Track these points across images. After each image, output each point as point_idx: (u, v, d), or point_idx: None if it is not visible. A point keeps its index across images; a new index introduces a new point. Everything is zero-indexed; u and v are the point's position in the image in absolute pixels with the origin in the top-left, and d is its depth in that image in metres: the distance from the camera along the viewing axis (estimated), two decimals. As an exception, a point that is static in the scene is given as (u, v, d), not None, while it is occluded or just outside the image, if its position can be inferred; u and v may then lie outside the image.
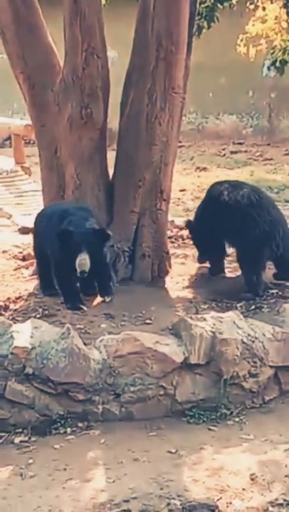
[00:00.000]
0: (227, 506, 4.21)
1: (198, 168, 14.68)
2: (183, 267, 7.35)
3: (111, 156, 7.08)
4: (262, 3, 12.08)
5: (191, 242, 7.56)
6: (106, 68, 6.83)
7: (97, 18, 6.67)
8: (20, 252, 7.76)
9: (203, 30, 9.88)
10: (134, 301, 6.30)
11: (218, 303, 6.33)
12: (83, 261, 5.97)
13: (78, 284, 6.32)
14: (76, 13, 6.56)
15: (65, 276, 6.25)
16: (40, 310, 6.07)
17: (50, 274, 6.50)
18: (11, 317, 5.93)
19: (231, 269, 7.17)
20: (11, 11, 6.76)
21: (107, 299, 6.33)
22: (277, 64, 11.82)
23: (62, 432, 5.06)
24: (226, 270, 7.16)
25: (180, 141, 7.69)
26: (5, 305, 6.32)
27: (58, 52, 6.97)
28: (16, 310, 6.19)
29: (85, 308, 6.16)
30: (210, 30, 10.04)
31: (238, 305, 6.24)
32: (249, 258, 6.59)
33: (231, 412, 5.28)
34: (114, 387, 5.17)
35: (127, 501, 4.26)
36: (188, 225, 7.45)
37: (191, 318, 5.58)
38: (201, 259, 7.29)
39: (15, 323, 5.55)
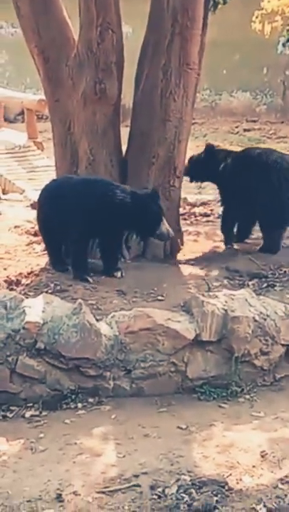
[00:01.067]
0: (237, 483, 4.22)
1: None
2: (195, 244, 7.34)
3: (124, 132, 7.05)
4: (278, -21, 11.96)
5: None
6: (121, 43, 6.79)
7: (112, -8, 6.62)
8: (33, 228, 7.75)
9: (219, 6, 9.78)
10: (146, 277, 6.30)
11: (230, 280, 6.33)
12: (167, 225, 6.36)
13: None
14: (91, -14, 6.51)
15: (81, 249, 6.29)
16: (52, 285, 6.07)
17: (60, 249, 6.53)
18: (22, 292, 5.94)
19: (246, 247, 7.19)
20: (25, -16, 6.72)
21: (118, 275, 6.34)
22: (292, 41, 11.72)
23: (73, 407, 5.09)
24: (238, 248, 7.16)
25: (193, 118, 7.64)
26: (17, 280, 6.33)
27: (73, 27, 6.93)
28: (27, 285, 6.20)
29: (91, 280, 6.20)
30: (225, 6, 9.94)
31: (251, 283, 6.24)
32: (276, 216, 6.98)
33: (242, 390, 5.29)
34: (125, 363, 5.18)
35: (136, 476, 4.28)
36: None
37: (203, 295, 5.58)
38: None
39: (27, 298, 5.55)
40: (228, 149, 7.72)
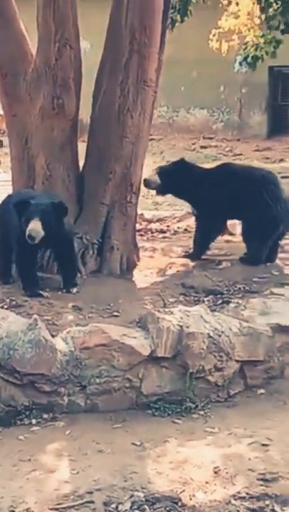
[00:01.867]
0: (190, 499, 4.22)
1: (168, 161, 14.67)
2: (151, 260, 7.37)
3: (81, 147, 7.06)
4: (235, -2, 12.13)
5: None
6: (79, 59, 6.83)
7: (70, 8, 6.67)
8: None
9: (177, 24, 9.89)
10: (102, 293, 6.30)
11: (185, 296, 6.36)
12: (34, 225, 5.96)
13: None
14: (50, 2, 6.54)
15: (25, 261, 6.30)
16: (8, 300, 6.05)
17: (8, 261, 6.57)
18: (-23, 307, 5.91)
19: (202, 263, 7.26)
20: (-16, -1, 6.71)
21: (73, 291, 6.34)
22: (249, 60, 11.87)
23: (27, 423, 5.04)
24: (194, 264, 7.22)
25: (151, 135, 7.70)
26: (-28, 295, 6.30)
27: (31, 42, 6.94)
28: (-18, 300, 6.16)
29: (44, 295, 6.18)
30: (183, 24, 10.05)
31: (206, 299, 6.27)
32: (262, 229, 7.16)
33: (196, 406, 5.30)
34: (80, 379, 5.16)
35: (90, 493, 4.26)
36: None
37: (158, 311, 5.59)
38: None
39: (-18, 313, 5.52)
40: (199, 165, 7.84)
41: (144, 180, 7.35)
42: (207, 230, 7.38)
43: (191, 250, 7.49)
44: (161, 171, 7.49)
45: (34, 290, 6.21)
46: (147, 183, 7.43)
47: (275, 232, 7.24)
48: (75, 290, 6.36)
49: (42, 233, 5.96)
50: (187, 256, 7.36)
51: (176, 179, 7.38)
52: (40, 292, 6.22)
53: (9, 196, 6.84)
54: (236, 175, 7.30)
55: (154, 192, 10.62)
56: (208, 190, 7.25)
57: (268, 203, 7.11)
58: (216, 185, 7.23)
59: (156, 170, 7.51)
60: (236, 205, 7.21)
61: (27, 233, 5.96)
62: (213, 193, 7.21)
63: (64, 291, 6.36)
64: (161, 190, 7.64)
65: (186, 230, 8.34)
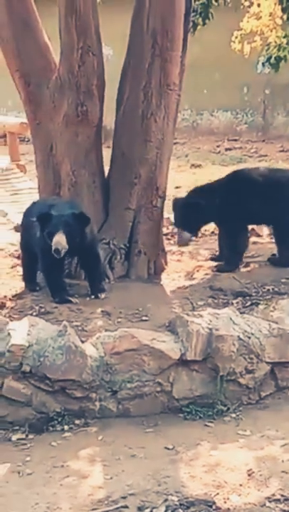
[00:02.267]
0: (224, 502, 4.22)
1: (193, 165, 14.70)
2: (179, 263, 7.37)
3: (106, 153, 7.09)
4: (256, -1, 12.08)
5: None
6: (101, 66, 6.84)
7: (92, 15, 6.68)
8: (16, 250, 7.76)
9: (198, 27, 9.88)
10: (130, 298, 6.32)
11: (214, 299, 6.35)
12: (58, 238, 5.99)
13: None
14: (72, 10, 6.57)
15: (50, 268, 6.32)
16: (37, 308, 6.08)
17: (33, 269, 6.62)
18: (7, 315, 5.94)
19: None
20: (6, 9, 6.76)
21: (101, 297, 6.36)
22: (272, 60, 11.80)
23: (59, 429, 5.07)
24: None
25: (175, 138, 7.70)
26: (1, 303, 6.34)
27: (54, 50, 6.97)
28: (12, 308, 6.21)
29: (73, 300, 6.21)
30: (205, 27, 10.03)
31: (234, 301, 6.26)
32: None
33: (228, 408, 5.29)
34: (111, 384, 5.17)
35: (124, 498, 4.27)
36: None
37: (187, 314, 5.59)
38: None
39: (11, 320, 5.55)
40: (206, 184, 7.65)
41: (178, 242, 7.35)
42: (235, 243, 7.27)
43: (217, 254, 7.48)
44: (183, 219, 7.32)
45: (63, 296, 6.25)
46: (182, 243, 7.39)
47: None
48: (103, 296, 6.37)
49: (66, 246, 6.01)
50: (222, 270, 7.10)
51: (199, 216, 7.23)
52: (69, 298, 6.25)
53: (33, 204, 6.89)
54: (251, 180, 7.23)
55: (179, 195, 10.71)
56: (226, 203, 7.11)
57: None
58: (232, 195, 7.13)
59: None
60: (258, 211, 7.16)
61: (53, 248, 6.00)
62: (232, 204, 7.10)
63: (92, 297, 6.37)
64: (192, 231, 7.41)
65: (212, 232, 8.32)
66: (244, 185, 7.20)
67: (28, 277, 6.70)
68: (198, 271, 7.10)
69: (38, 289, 6.57)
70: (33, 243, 6.45)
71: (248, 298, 6.36)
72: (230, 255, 7.20)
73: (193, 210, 7.08)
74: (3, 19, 6.81)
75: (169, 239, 7.98)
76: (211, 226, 8.03)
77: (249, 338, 5.45)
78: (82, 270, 6.58)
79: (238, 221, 7.15)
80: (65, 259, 6.42)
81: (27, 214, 6.79)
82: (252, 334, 5.48)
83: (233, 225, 7.17)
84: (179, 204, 7.31)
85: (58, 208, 6.24)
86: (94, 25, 6.71)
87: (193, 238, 7.62)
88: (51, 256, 6.11)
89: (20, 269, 7.13)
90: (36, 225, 6.22)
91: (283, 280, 6.80)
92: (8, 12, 6.77)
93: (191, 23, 7.87)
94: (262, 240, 8.09)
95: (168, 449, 4.81)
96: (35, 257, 6.52)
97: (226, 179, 7.36)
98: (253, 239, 7.88)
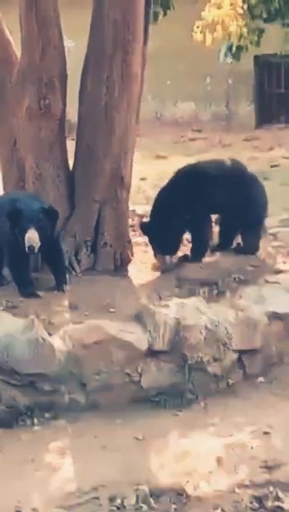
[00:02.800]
0: (194, 490, 4.26)
1: (157, 156, 14.69)
2: (145, 255, 7.37)
3: (70, 146, 7.07)
4: (218, -11, 12.13)
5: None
6: (63, 58, 6.82)
7: (53, 8, 6.65)
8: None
9: (160, 18, 9.91)
10: (97, 290, 6.32)
11: (180, 289, 6.37)
12: (31, 235, 5.99)
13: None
14: (32, 3, 6.53)
15: (17, 262, 6.32)
16: (4, 302, 6.05)
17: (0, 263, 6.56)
18: (-26, 310, 5.92)
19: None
20: None
21: (66, 289, 6.37)
22: (234, 50, 11.88)
23: (28, 423, 5.07)
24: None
25: (138, 130, 7.70)
26: None
27: (14, 43, 6.94)
28: (-21, 303, 6.18)
29: (39, 294, 6.21)
30: (166, 17, 10.06)
31: (201, 291, 6.29)
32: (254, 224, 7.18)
33: (196, 397, 5.33)
34: (79, 377, 5.19)
35: (95, 489, 4.29)
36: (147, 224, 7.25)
37: (154, 305, 5.62)
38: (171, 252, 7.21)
39: (-22, 316, 5.54)
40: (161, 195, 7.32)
41: (163, 270, 7.04)
42: (201, 234, 7.21)
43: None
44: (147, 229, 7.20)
45: (29, 290, 6.24)
46: (168, 269, 7.07)
47: (265, 217, 7.34)
48: (67, 287, 6.39)
49: (39, 243, 6.03)
50: (188, 261, 7.06)
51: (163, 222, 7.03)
52: (36, 292, 6.24)
53: None
54: (206, 174, 7.13)
55: (145, 187, 10.69)
56: (186, 198, 6.99)
57: (252, 192, 7.18)
58: (189, 191, 7.02)
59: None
60: (219, 202, 7.12)
61: (27, 245, 6.00)
62: (192, 198, 6.99)
63: (57, 290, 6.38)
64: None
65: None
66: (198, 178, 7.10)
67: None
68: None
69: (5, 283, 6.55)
70: None
71: (214, 287, 6.39)
72: (196, 246, 7.20)
73: (169, 230, 6.97)
74: None
75: (134, 230, 7.98)
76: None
77: (216, 326, 5.49)
78: (46, 263, 6.55)
79: (200, 213, 7.11)
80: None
81: None
82: (219, 323, 5.52)
83: (196, 218, 7.11)
84: (149, 229, 7.18)
85: (26, 203, 6.23)
86: (54, 18, 6.68)
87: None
88: (18, 250, 6.11)
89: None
90: (3, 220, 6.20)
91: (249, 268, 6.83)
92: None
93: (152, 14, 7.86)
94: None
95: (137, 439, 4.84)
96: (0, 252, 6.51)
97: (177, 178, 7.21)
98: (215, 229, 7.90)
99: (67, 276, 6.51)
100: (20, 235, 6.05)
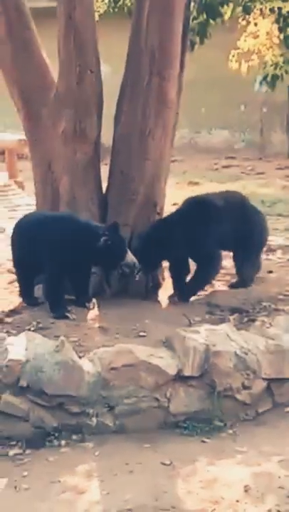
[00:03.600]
0: (221, 517, 4.23)
1: (190, 182, 14.75)
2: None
3: (104, 170, 7.13)
4: (254, 18, 12.14)
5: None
6: (99, 83, 6.90)
7: (91, 33, 6.75)
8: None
9: (196, 46, 9.94)
10: (128, 314, 6.33)
11: (211, 315, 6.37)
12: (132, 256, 6.38)
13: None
14: (70, 28, 6.63)
15: (56, 285, 6.39)
16: (35, 323, 6.10)
17: (31, 283, 6.67)
18: (5, 330, 5.96)
19: (224, 282, 7.26)
20: (5, 26, 6.83)
21: (90, 306, 6.43)
22: (269, 79, 11.87)
23: (56, 444, 5.07)
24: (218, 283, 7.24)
25: (173, 156, 7.73)
26: (-1, 318, 6.36)
27: (52, 67, 7.03)
28: (10, 323, 6.22)
29: (71, 316, 6.25)
30: (203, 45, 10.10)
31: (231, 317, 6.28)
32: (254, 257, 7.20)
33: (225, 424, 5.30)
34: (108, 400, 5.18)
35: (121, 513, 4.28)
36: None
37: (184, 330, 5.61)
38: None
39: (9, 335, 5.57)
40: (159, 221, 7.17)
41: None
42: (210, 269, 7.00)
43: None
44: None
45: (62, 312, 6.28)
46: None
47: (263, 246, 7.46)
48: (91, 305, 6.50)
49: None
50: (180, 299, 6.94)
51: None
52: (67, 314, 6.27)
53: (24, 218, 6.92)
54: (208, 208, 7.04)
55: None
56: (190, 232, 6.86)
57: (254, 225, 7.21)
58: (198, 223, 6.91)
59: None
60: (224, 236, 7.00)
61: (131, 265, 6.40)
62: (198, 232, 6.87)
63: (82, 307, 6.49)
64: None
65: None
66: (207, 211, 7.00)
67: (26, 292, 6.72)
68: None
69: (36, 303, 6.58)
70: (31, 254, 6.46)
71: (244, 314, 6.38)
72: (197, 282, 7.01)
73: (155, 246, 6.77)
74: (3, 37, 6.88)
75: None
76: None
77: (246, 354, 5.46)
78: (71, 281, 6.58)
79: (209, 248, 6.91)
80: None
81: (22, 227, 6.78)
82: (249, 350, 5.49)
83: (206, 252, 6.92)
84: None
85: (96, 227, 6.41)
86: (92, 43, 6.77)
87: None
88: (61, 271, 6.32)
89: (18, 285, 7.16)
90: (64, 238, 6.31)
91: (280, 297, 6.82)
92: (7, 30, 6.84)
93: (189, 42, 7.91)
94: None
95: (165, 464, 4.81)
96: (31, 270, 6.55)
97: (185, 208, 7.14)
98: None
99: (89, 295, 6.61)
100: (117, 261, 6.37)
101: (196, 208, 7.06)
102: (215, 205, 7.03)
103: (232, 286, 7.20)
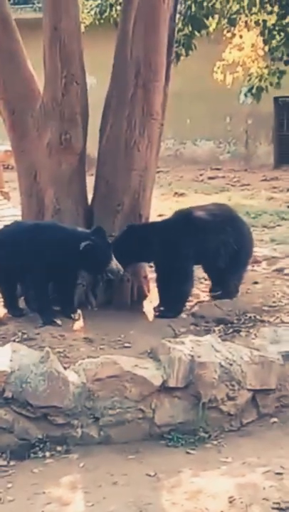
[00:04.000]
0: (205, 529, 4.22)
1: (176, 193, 14.79)
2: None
3: (89, 181, 7.14)
4: (239, 31, 12.22)
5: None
6: (85, 94, 6.92)
7: (76, 45, 6.77)
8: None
9: (181, 58, 9.99)
10: (113, 325, 6.33)
11: (196, 326, 6.37)
12: (116, 263, 6.37)
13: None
14: (56, 40, 6.66)
15: (43, 290, 6.43)
16: (20, 334, 6.09)
17: (14, 294, 6.68)
18: (-11, 341, 5.95)
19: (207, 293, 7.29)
20: (-9, 38, 6.83)
21: (75, 317, 6.49)
22: (254, 91, 11.94)
23: (41, 456, 5.05)
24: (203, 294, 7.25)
25: (158, 167, 7.75)
26: (-16, 329, 6.34)
27: (38, 79, 7.04)
28: (-6, 334, 6.21)
29: (58, 322, 6.30)
30: (188, 57, 10.15)
31: (216, 328, 6.29)
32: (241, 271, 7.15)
33: (210, 436, 5.30)
34: (93, 411, 5.17)
35: (105, 524, 4.27)
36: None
37: (169, 341, 5.61)
38: None
39: (-6, 347, 5.56)
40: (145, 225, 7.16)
41: None
42: (183, 287, 6.87)
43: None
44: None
45: (50, 318, 6.33)
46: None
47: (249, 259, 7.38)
48: (76, 316, 6.54)
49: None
50: (163, 316, 6.72)
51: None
52: (55, 321, 6.29)
53: (12, 225, 6.90)
54: (196, 220, 6.95)
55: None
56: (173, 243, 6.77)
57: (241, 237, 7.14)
58: (188, 234, 6.83)
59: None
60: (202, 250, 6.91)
61: (115, 271, 6.41)
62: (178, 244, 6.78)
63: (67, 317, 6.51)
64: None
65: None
66: (193, 224, 6.91)
67: (10, 303, 6.71)
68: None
69: (20, 314, 6.58)
70: (15, 264, 6.45)
71: (229, 325, 6.39)
72: (175, 301, 6.86)
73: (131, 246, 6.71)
74: (-12, 48, 6.88)
75: (151, 266, 8.00)
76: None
77: (231, 365, 5.47)
78: (56, 292, 6.58)
79: (186, 263, 6.82)
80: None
81: (2, 237, 6.72)
82: (234, 361, 5.50)
83: (181, 268, 6.79)
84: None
85: (86, 235, 6.41)
86: (78, 54, 6.79)
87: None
88: (46, 278, 6.37)
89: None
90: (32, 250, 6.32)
91: (265, 308, 6.84)
92: (-7, 41, 6.84)
93: (174, 54, 7.94)
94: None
95: (150, 475, 4.80)
96: (14, 280, 6.56)
97: (172, 218, 7.09)
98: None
99: (74, 305, 6.62)
100: (101, 266, 6.37)
101: (181, 219, 7.02)
102: (200, 217, 6.98)
103: (217, 297, 7.17)
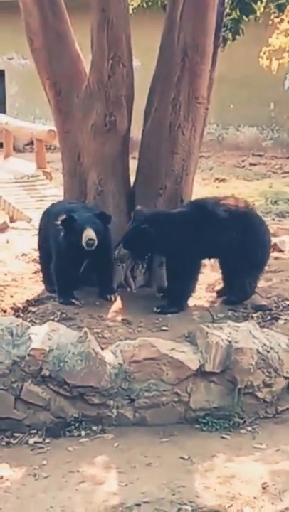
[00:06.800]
0: (238, 514, 4.24)
1: (217, 179, 14.74)
2: (201, 275, 7.35)
3: (132, 163, 7.14)
4: (286, 16, 12.12)
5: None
6: (131, 77, 6.90)
7: (124, 27, 6.75)
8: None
9: (228, 42, 9.93)
10: (151, 307, 6.34)
11: (234, 312, 6.37)
12: (88, 232, 6.10)
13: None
14: (104, 21, 6.64)
15: (63, 270, 6.44)
16: (58, 313, 6.13)
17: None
18: (29, 319, 6.00)
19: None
20: (40, 18, 6.85)
21: (112, 298, 6.48)
22: (299, 78, 11.86)
23: (76, 434, 5.12)
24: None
25: (200, 152, 7.72)
26: (23, 307, 6.41)
27: (85, 60, 7.05)
28: (34, 312, 6.26)
29: (76, 302, 6.33)
30: (234, 42, 10.08)
31: (255, 315, 6.28)
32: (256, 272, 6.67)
33: (244, 421, 5.31)
34: (128, 392, 5.21)
35: (138, 505, 4.30)
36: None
37: (207, 326, 5.62)
38: None
39: (33, 325, 5.61)
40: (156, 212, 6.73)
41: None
42: (187, 278, 6.53)
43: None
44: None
45: (67, 298, 6.37)
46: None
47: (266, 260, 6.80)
48: (113, 298, 6.50)
49: (96, 240, 6.10)
50: (166, 312, 6.34)
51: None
52: (73, 300, 6.34)
53: (52, 206, 7.02)
54: (210, 212, 6.51)
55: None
56: (188, 234, 6.41)
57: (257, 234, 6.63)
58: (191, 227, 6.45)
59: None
60: (214, 244, 6.54)
61: (85, 240, 6.08)
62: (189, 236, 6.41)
63: (103, 298, 6.49)
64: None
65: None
66: (203, 217, 6.50)
67: (48, 278, 6.76)
68: (219, 283, 7.11)
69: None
70: (50, 244, 6.53)
71: (268, 312, 6.37)
72: (178, 295, 6.54)
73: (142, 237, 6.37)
74: (37, 29, 6.90)
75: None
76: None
77: (268, 352, 5.47)
78: (94, 272, 6.60)
79: (192, 257, 6.48)
80: (82, 262, 6.46)
81: (45, 216, 6.92)
82: (271, 348, 5.50)
83: (186, 262, 6.45)
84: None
85: (79, 210, 6.39)
86: (125, 36, 6.78)
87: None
88: (66, 257, 6.31)
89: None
90: (56, 226, 6.31)
91: (304, 296, 6.80)
92: (41, 22, 6.86)
93: (221, 38, 7.89)
94: (284, 255, 8.09)
95: (183, 459, 4.83)
96: (51, 257, 6.62)
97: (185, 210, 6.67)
98: (274, 254, 7.87)
99: (113, 286, 6.60)
100: (76, 238, 6.13)
101: (192, 210, 6.62)
102: (213, 211, 6.52)
103: (230, 302, 6.59)
